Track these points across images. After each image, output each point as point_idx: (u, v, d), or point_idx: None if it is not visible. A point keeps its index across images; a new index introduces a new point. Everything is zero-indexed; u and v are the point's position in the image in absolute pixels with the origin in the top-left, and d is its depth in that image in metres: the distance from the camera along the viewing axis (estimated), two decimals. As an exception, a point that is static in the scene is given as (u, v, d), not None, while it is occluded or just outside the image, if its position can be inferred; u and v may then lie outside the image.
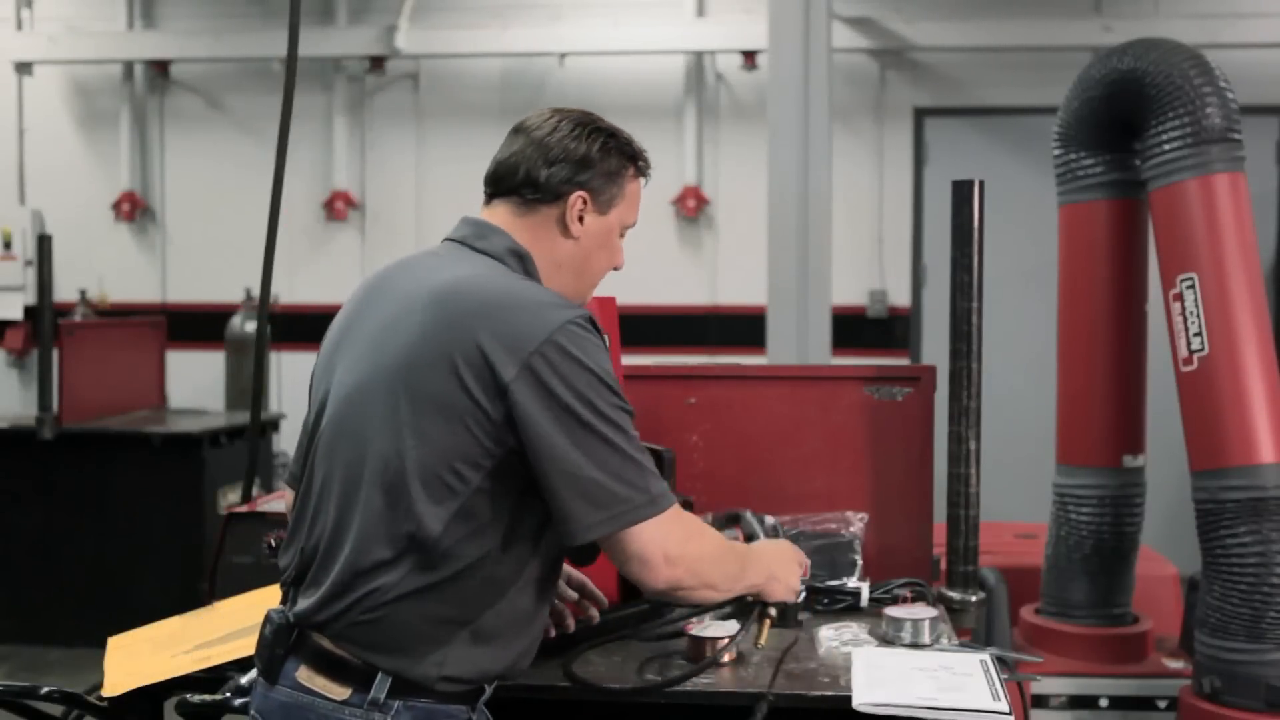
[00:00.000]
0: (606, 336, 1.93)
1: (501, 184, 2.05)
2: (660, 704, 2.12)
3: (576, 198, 2.01)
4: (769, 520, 2.55)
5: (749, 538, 2.43)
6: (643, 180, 2.12)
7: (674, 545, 1.86)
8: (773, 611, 2.17)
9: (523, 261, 1.99)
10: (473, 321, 1.83)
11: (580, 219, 2.02)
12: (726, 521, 2.52)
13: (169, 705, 2.24)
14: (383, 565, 1.81)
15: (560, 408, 1.81)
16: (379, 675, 1.81)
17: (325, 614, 1.84)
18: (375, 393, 1.86)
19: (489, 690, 1.93)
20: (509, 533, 1.85)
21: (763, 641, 2.16)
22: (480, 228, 2.03)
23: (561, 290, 2.01)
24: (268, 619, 1.91)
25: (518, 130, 2.07)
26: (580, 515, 1.81)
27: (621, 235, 2.11)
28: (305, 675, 1.85)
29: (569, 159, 2.01)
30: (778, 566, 2.16)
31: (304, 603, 1.87)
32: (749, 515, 2.51)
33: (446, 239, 2.06)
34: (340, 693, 1.82)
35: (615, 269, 2.13)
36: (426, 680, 1.82)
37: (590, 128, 2.04)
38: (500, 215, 2.04)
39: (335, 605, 1.83)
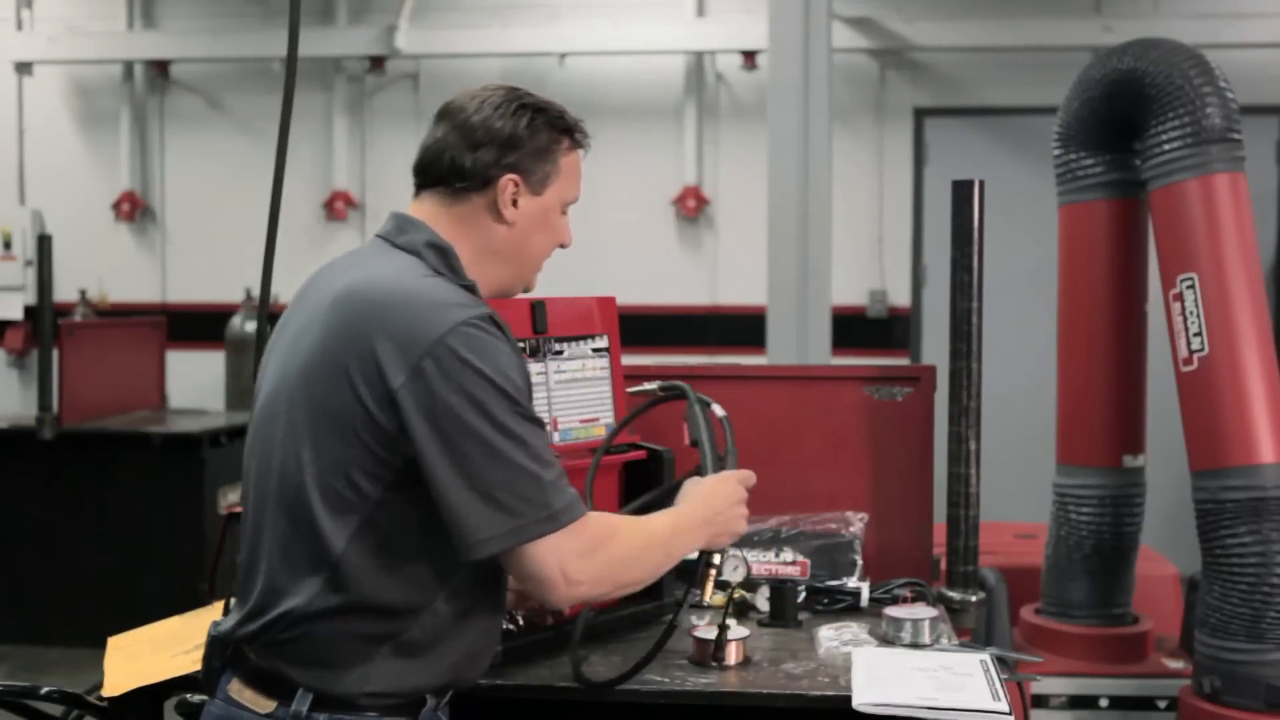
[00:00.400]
0: (512, 338, 1.82)
1: (428, 174, 1.95)
2: (660, 704, 2.12)
3: (507, 181, 1.91)
4: (717, 410, 2.24)
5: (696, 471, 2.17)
6: (581, 152, 2.01)
7: (574, 562, 1.75)
8: (716, 560, 2.07)
9: (442, 255, 1.88)
10: (367, 326, 1.75)
11: (514, 203, 1.92)
12: (668, 391, 2.38)
13: (169, 705, 2.25)
14: (295, 584, 1.76)
15: (450, 415, 1.71)
16: (299, 690, 1.76)
17: (248, 630, 1.80)
18: (280, 403, 1.81)
19: (436, 701, 1.85)
20: (420, 545, 1.77)
21: (708, 598, 2.13)
22: (401, 222, 1.92)
23: (500, 278, 1.95)
24: (209, 632, 1.88)
25: (442, 114, 1.96)
26: (471, 530, 1.71)
27: (564, 212, 2.01)
28: (236, 689, 1.81)
29: (494, 141, 1.90)
30: (713, 516, 2.00)
31: (233, 618, 1.84)
32: (693, 399, 2.24)
33: (376, 234, 1.97)
34: (266, 706, 1.78)
35: (562, 247, 2.04)
36: (350, 697, 1.77)
37: (515, 104, 1.93)
38: (428, 207, 1.93)
39: (256, 622, 1.79)
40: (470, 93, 1.96)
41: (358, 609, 1.75)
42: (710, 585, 2.09)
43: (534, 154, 1.93)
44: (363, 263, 1.88)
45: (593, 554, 1.78)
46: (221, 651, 1.84)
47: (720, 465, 2.12)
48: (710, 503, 2.00)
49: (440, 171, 1.92)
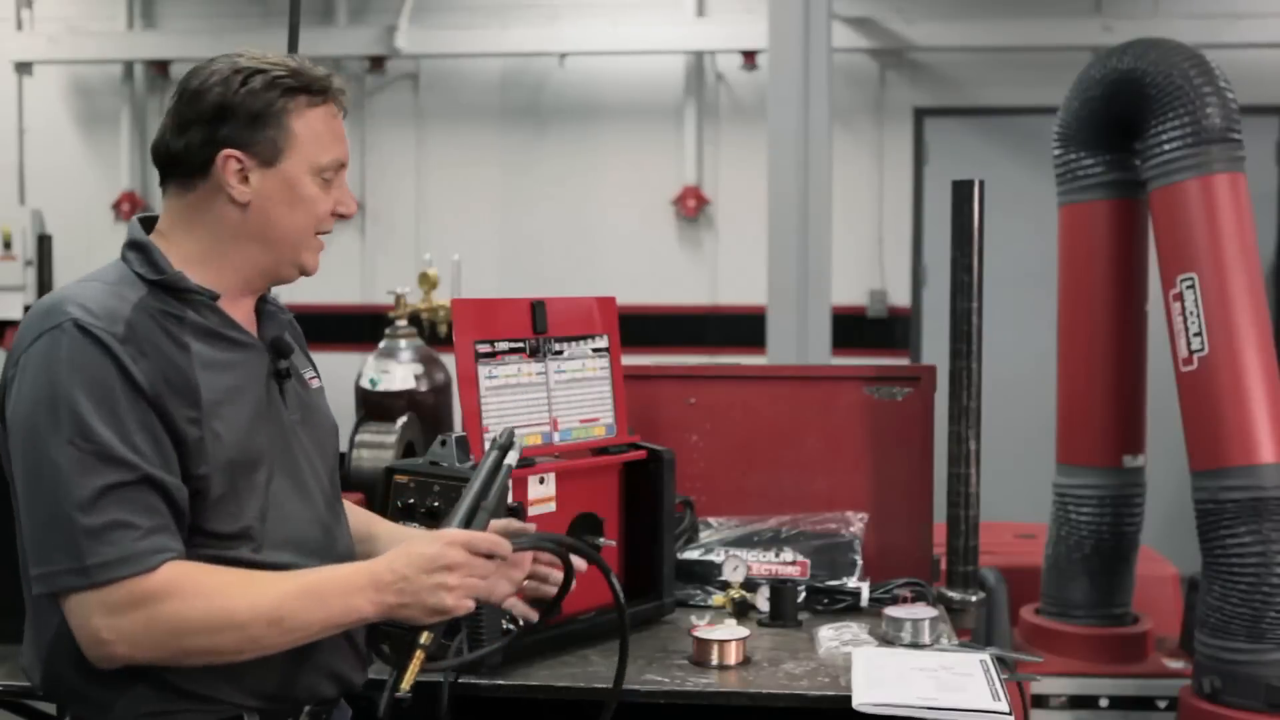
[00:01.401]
0: (120, 344, 1.60)
1: (159, 167, 1.75)
2: (660, 704, 2.12)
3: (225, 158, 1.69)
4: (512, 458, 1.84)
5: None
6: (332, 109, 1.81)
7: (102, 619, 1.55)
8: (422, 640, 1.66)
9: (141, 252, 1.70)
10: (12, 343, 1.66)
11: (243, 179, 1.70)
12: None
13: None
14: (41, 619, 1.67)
15: (16, 433, 1.60)
16: None
17: (26, 668, 1.73)
18: None
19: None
20: None
21: (404, 684, 1.65)
22: (129, 225, 1.77)
23: (255, 262, 1.75)
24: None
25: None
26: (30, 559, 1.60)
27: (325, 179, 1.78)
28: None
29: (201, 117, 1.68)
30: (396, 580, 1.62)
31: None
32: (496, 443, 1.85)
33: None
34: None
35: (342, 217, 1.82)
36: None
37: (227, 72, 1.69)
38: (167, 203, 1.75)
39: (21, 660, 1.73)
40: (194, 68, 1.74)
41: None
42: (414, 670, 1.65)
43: (250, 122, 1.69)
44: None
45: (127, 612, 1.56)
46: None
47: (466, 522, 1.73)
48: (396, 565, 1.63)
49: (163, 162, 1.73)
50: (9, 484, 1.67)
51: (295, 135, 1.73)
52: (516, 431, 1.89)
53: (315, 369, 1.95)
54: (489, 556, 1.66)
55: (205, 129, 1.69)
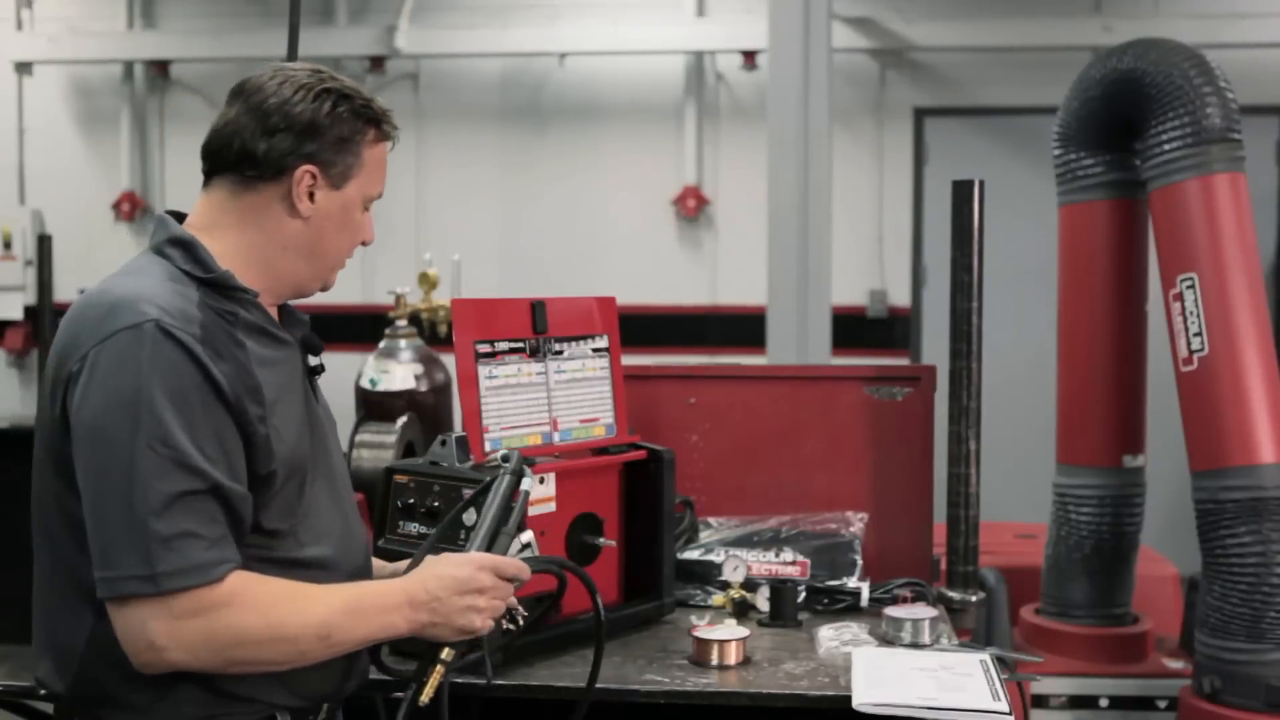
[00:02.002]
0: (202, 350, 1.61)
1: (217, 159, 1.76)
2: (660, 704, 2.12)
3: (303, 173, 1.73)
4: (526, 484, 1.90)
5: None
6: (388, 145, 1.82)
7: (163, 637, 1.57)
8: (445, 655, 1.72)
9: (186, 250, 1.71)
10: (60, 338, 1.66)
11: (310, 196, 1.74)
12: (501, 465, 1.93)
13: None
14: (68, 623, 1.69)
15: (86, 432, 1.59)
16: None
17: (40, 673, 1.74)
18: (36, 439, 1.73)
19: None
20: None
21: (424, 697, 1.72)
22: (155, 223, 1.77)
23: (294, 275, 1.79)
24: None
25: (235, 93, 1.78)
26: (94, 561, 1.59)
27: (366, 208, 1.83)
28: None
29: (292, 127, 1.71)
30: (429, 600, 1.69)
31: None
32: (509, 468, 1.90)
33: None
34: None
35: (364, 244, 1.87)
36: None
37: (317, 89, 1.74)
38: (215, 197, 1.76)
39: (39, 667, 1.74)
40: (271, 71, 1.77)
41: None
42: (433, 683, 1.72)
43: (335, 144, 1.74)
44: (116, 273, 1.75)
45: (188, 621, 1.58)
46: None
47: (488, 545, 1.81)
48: (430, 585, 1.70)
49: (230, 158, 1.74)
50: (40, 484, 1.69)
51: (364, 165, 1.78)
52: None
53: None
54: (512, 580, 1.76)
55: (293, 139, 1.72)
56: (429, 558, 1.76)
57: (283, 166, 1.73)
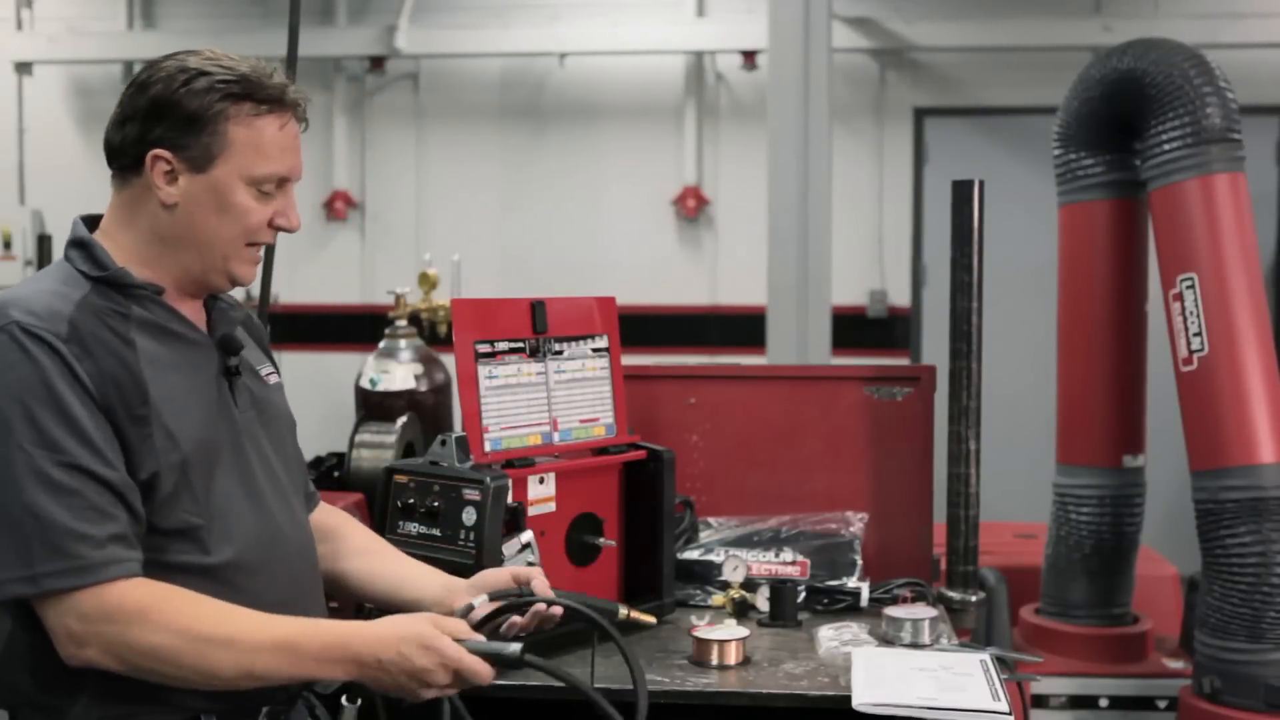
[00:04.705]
0: (63, 349, 1.59)
1: (107, 161, 1.75)
2: (660, 704, 2.12)
3: (153, 158, 1.67)
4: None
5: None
6: (283, 117, 1.70)
7: (76, 624, 1.55)
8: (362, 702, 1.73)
9: (83, 249, 1.70)
10: None
11: (171, 180, 1.67)
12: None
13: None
14: None
15: None
16: None
17: None
18: None
19: None
20: None
21: None
22: (71, 224, 1.77)
23: (184, 266, 1.72)
24: None
25: None
26: None
27: (267, 189, 1.71)
28: None
29: (137, 114, 1.66)
30: (375, 662, 1.61)
31: None
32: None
33: None
34: None
35: (283, 230, 1.76)
36: None
37: (174, 70, 1.66)
38: (111, 198, 1.75)
39: None
40: (155, 60, 1.71)
41: (47, 648, 1.61)
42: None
43: (184, 124, 1.65)
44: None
45: (99, 623, 1.56)
46: None
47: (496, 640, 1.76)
48: (381, 655, 1.62)
49: (108, 155, 1.73)
50: None
51: (231, 143, 1.67)
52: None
53: (275, 365, 1.93)
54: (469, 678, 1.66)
55: (140, 125, 1.67)
56: (390, 620, 1.67)
57: (138, 154, 1.68)
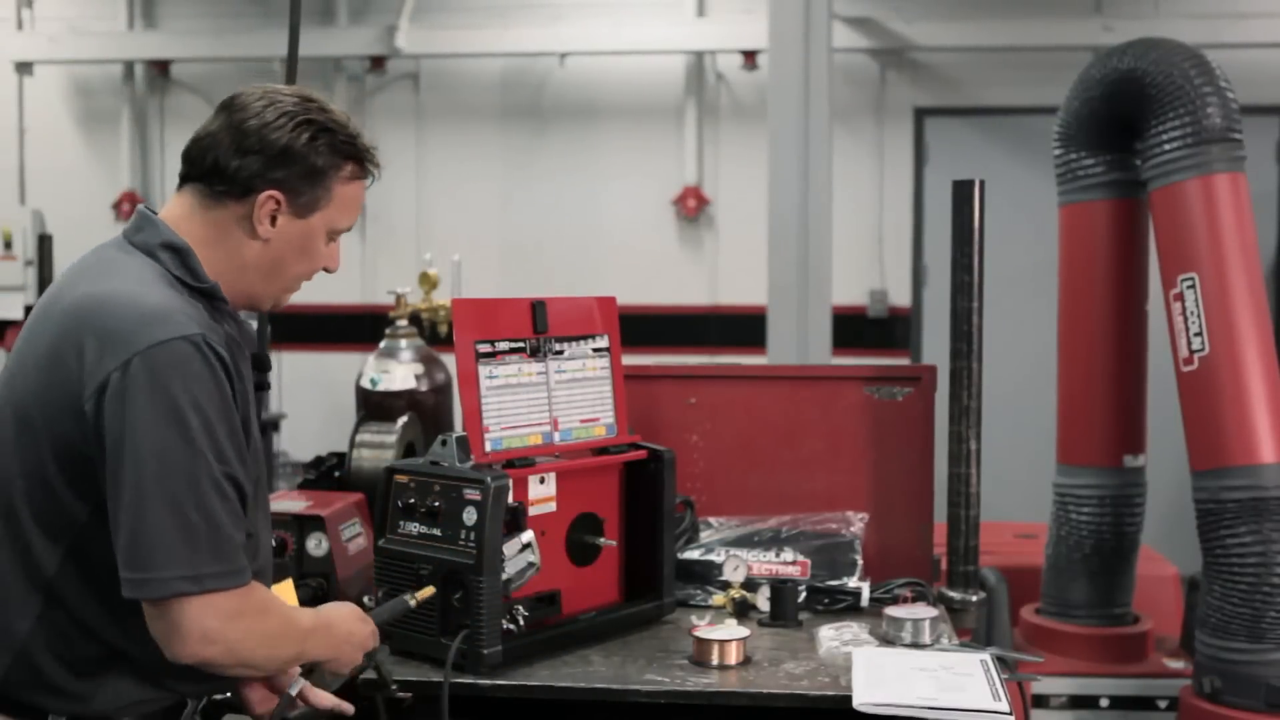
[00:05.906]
0: (225, 364, 1.69)
1: (193, 166, 1.79)
2: (660, 704, 2.12)
3: (266, 197, 1.76)
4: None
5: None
6: (366, 181, 1.86)
7: (215, 622, 1.64)
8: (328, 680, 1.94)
9: (178, 255, 1.75)
10: (79, 334, 1.66)
11: (271, 220, 1.78)
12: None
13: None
14: (13, 605, 1.69)
15: (133, 438, 1.60)
16: (49, 716, 1.71)
17: None
18: (4, 417, 1.73)
19: (195, 704, 1.85)
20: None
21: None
22: (140, 220, 1.79)
23: (250, 290, 1.83)
24: None
25: (224, 106, 1.81)
26: (121, 565, 1.62)
27: (332, 239, 1.86)
28: None
29: (265, 151, 1.75)
30: (342, 641, 1.87)
31: None
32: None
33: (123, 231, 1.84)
34: None
35: (327, 271, 1.90)
36: (105, 714, 1.72)
37: (300, 118, 1.77)
38: (185, 202, 1.79)
39: None
40: (261, 91, 1.81)
41: (79, 625, 1.69)
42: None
43: (306, 174, 1.78)
44: (99, 267, 1.76)
45: (236, 620, 1.67)
46: None
47: (385, 615, 2.08)
48: (342, 630, 1.88)
49: (203, 168, 1.78)
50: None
51: (333, 199, 1.82)
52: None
53: None
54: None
55: (263, 162, 1.75)
56: (333, 622, 1.88)
57: (250, 187, 1.76)
